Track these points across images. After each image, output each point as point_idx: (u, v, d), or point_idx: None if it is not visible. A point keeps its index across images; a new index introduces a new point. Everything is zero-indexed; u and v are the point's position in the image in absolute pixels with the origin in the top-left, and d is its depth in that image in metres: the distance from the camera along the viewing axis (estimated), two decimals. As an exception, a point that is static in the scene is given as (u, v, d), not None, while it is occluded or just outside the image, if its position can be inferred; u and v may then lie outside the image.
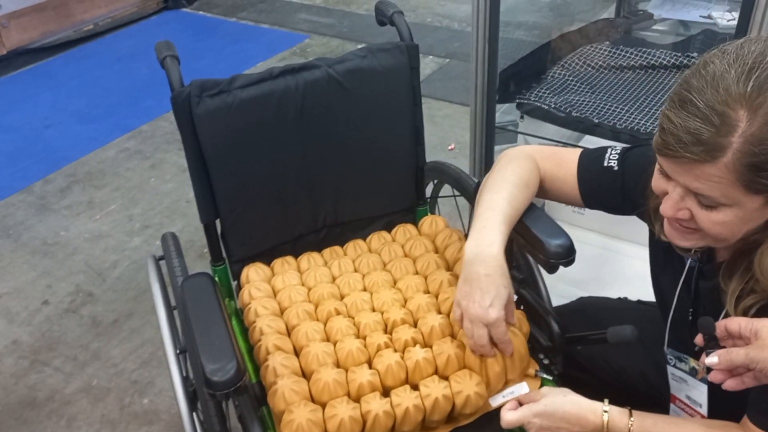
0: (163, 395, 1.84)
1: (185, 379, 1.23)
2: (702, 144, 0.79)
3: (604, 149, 1.14)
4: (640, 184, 1.05)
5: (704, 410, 1.08)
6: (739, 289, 0.91)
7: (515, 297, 1.18)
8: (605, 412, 0.99)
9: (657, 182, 0.92)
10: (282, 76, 1.27)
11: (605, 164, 1.11)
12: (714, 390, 1.05)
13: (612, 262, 1.98)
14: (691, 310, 1.07)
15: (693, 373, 1.10)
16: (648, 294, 1.35)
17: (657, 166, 0.92)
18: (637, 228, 1.86)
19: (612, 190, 1.11)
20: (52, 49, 3.87)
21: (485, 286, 1.02)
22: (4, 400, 1.85)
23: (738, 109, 0.77)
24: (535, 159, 1.16)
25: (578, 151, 1.17)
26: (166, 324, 1.24)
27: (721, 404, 1.03)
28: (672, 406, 1.15)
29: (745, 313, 0.91)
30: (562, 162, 1.16)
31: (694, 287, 1.05)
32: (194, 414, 1.21)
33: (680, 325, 1.10)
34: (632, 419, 0.99)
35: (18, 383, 1.90)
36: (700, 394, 1.09)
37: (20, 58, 3.76)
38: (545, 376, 1.16)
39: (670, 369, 1.15)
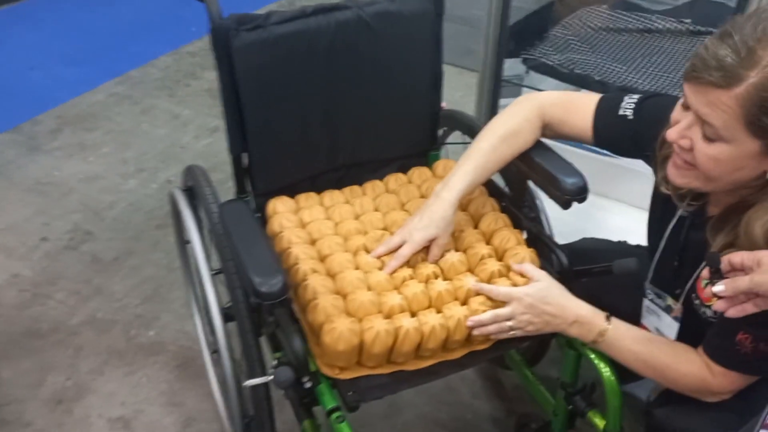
0: (168, 328, 1.90)
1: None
2: (723, 69, 0.87)
3: (620, 97, 1.21)
4: (651, 133, 1.14)
5: None
6: (721, 243, 1.01)
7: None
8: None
9: (675, 114, 1.00)
10: (314, 14, 1.32)
11: (620, 113, 1.20)
12: (683, 330, 1.17)
13: (596, 218, 2.09)
14: (678, 257, 1.17)
15: (668, 310, 1.20)
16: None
17: (681, 99, 0.99)
18: (620, 187, 1.99)
19: (623, 137, 1.20)
20: (30, -11, 3.78)
21: (426, 216, 1.20)
22: (8, 330, 1.89)
23: (767, 49, 0.86)
24: (542, 106, 1.26)
25: (591, 95, 1.26)
26: (200, 247, 1.31)
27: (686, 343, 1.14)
28: None
29: None
30: (572, 106, 1.25)
31: (685, 236, 1.15)
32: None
33: (665, 268, 1.20)
34: (610, 324, 1.13)
35: (21, 314, 1.93)
36: (670, 330, 1.20)
37: (-3, -3, 3.68)
38: None
39: (646, 303, 1.25)
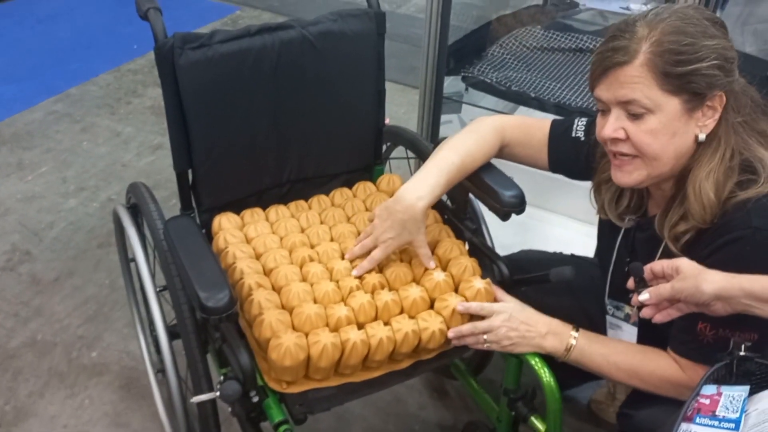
0: (111, 349, 1.86)
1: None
2: (621, 50, 1.01)
3: (571, 120, 1.29)
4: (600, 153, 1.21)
5: None
6: (673, 218, 1.08)
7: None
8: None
9: (600, 127, 1.08)
10: (259, 33, 1.34)
11: (573, 135, 1.27)
12: (642, 333, 1.23)
13: (536, 229, 2.17)
14: (628, 260, 1.22)
15: (627, 318, 1.27)
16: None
17: (598, 114, 1.09)
18: (559, 199, 2.07)
19: (577, 158, 1.27)
20: (-36, 6, 3.69)
21: (397, 223, 1.21)
22: (-58, 355, 1.82)
23: (642, 27, 1.01)
24: (503, 128, 1.31)
25: (545, 120, 1.32)
26: (144, 264, 1.30)
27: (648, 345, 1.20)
28: None
29: (677, 240, 1.08)
30: (530, 130, 1.32)
31: (632, 240, 1.22)
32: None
33: (619, 276, 1.25)
34: (579, 333, 1.18)
35: (-45, 339, 1.87)
36: (630, 336, 1.26)
37: (-71, 12, 3.57)
38: None
39: (609, 318, 1.31)
